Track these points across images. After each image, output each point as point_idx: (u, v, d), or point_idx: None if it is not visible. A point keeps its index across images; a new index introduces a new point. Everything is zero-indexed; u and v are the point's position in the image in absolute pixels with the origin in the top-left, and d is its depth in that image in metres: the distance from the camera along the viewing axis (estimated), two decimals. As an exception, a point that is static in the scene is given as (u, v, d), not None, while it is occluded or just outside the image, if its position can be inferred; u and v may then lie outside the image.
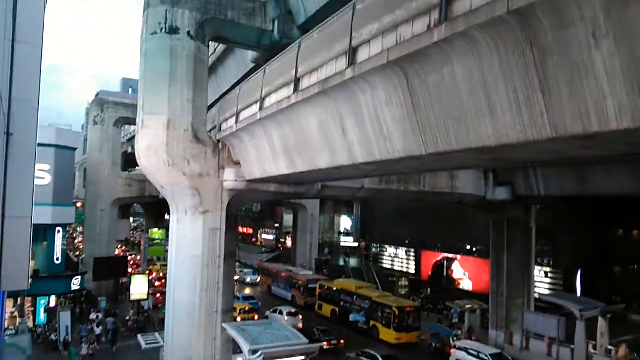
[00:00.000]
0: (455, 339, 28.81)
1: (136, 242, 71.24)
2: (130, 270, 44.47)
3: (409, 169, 17.77)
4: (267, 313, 34.98)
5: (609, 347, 25.51)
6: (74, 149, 32.35)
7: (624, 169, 22.69)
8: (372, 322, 32.52)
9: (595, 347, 25.68)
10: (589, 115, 7.47)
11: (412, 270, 52.14)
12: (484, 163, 17.98)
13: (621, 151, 11.37)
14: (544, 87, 7.95)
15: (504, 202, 29.17)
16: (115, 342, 27.91)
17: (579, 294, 35.51)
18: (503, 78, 8.51)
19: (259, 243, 78.22)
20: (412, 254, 53.03)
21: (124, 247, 66.02)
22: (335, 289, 37.37)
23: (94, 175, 41.15)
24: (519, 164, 24.62)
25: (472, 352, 25.85)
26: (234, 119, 19.31)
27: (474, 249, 46.83)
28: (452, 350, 27.14)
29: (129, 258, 53.45)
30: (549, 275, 39.52)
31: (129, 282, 34.24)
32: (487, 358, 24.93)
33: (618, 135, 7.62)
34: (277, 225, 75.85)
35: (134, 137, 37.15)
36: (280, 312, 34.48)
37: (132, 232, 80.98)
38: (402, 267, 53.89)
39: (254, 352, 15.10)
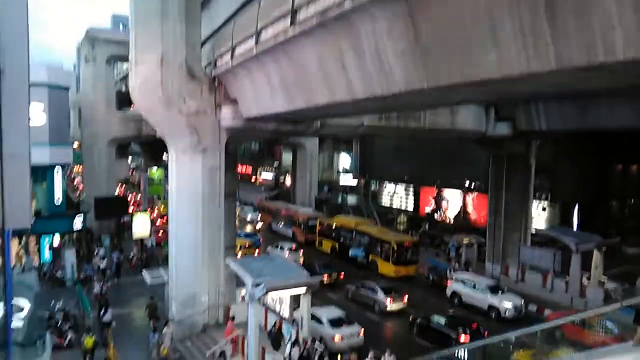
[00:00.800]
0: (451, 272, 29.60)
1: (136, 181, 71.60)
2: (131, 209, 45.01)
3: (410, 104, 17.50)
4: (269, 249, 35.72)
5: (603, 278, 26.30)
6: (67, 88, 31.66)
7: (625, 103, 22.41)
8: (371, 257, 33.29)
9: (589, 279, 26.44)
10: (595, 46, 7.22)
11: (410, 207, 52.78)
12: (485, 97, 17.70)
13: (623, 82, 11.15)
14: (550, 17, 7.62)
15: (504, 137, 29.03)
16: (119, 275, 29.03)
17: (575, 228, 36.15)
18: (508, 6, 8.13)
19: (258, 182, 78.71)
20: (411, 190, 53.47)
21: (123, 187, 66.41)
22: (334, 225, 37.96)
23: (88, 114, 40.59)
24: (521, 97, 24.28)
25: (468, 283, 26.64)
26: (229, 55, 18.76)
27: (473, 185, 47.19)
28: (449, 282, 27.95)
29: (130, 197, 53.86)
30: (547, 209, 40.04)
31: (131, 221, 34.70)
32: (483, 289, 25.70)
33: (623, 66, 7.44)
34: (276, 164, 75.99)
35: (127, 75, 36.38)
36: (281, 248, 35.19)
37: (131, 171, 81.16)
38: (400, 203, 54.51)
39: (257, 284, 15.48)
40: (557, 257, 26.87)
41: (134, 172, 78.78)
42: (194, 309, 20.52)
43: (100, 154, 40.25)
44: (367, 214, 48.24)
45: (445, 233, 38.88)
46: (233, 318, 18.35)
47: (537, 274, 28.20)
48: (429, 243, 40.69)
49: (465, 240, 32.35)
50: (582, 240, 26.31)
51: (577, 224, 37.74)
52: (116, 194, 48.18)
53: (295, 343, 14.75)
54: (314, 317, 19.41)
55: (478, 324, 21.54)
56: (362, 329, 20.95)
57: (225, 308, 21.04)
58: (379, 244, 32.78)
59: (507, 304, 24.43)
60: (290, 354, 14.44)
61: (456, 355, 15.35)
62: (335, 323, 20.59)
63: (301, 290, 17.17)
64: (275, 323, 16.82)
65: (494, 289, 25.76)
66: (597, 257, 26.39)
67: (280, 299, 19.26)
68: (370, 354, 15.58)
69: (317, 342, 17.11)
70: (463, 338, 20.15)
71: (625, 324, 19.12)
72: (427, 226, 45.29)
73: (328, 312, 21.52)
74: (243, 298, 19.87)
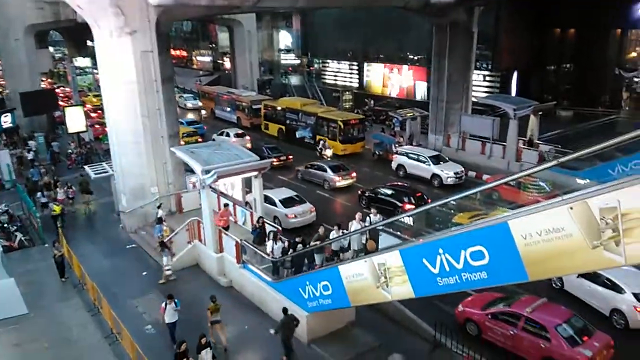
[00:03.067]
0: (396, 145, 30.38)
1: (61, 73, 66.45)
2: (61, 103, 42.19)
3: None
4: (214, 136, 35.05)
5: (537, 142, 27.79)
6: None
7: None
8: (318, 137, 33.42)
9: (524, 143, 27.89)
10: None
11: (355, 84, 52.38)
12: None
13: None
14: None
15: (447, 4, 28.27)
16: (55, 164, 29.38)
17: (513, 94, 37.30)
18: None
19: (195, 66, 74.90)
20: (355, 67, 52.67)
21: (49, 80, 61.67)
22: (279, 108, 37.33)
23: (-4, -1, 35.94)
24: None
25: (412, 155, 27.57)
26: None
27: (416, 58, 46.94)
28: (394, 156, 28.80)
29: (58, 91, 50.24)
30: (487, 78, 40.82)
31: (64, 116, 32.72)
32: (425, 160, 26.73)
33: None
34: (212, 45, 71.92)
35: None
36: (227, 134, 34.63)
37: (55, 63, 74.94)
38: (345, 81, 53.90)
39: (207, 172, 15.26)
40: (495, 124, 27.90)
41: (58, 64, 72.72)
42: (144, 200, 20.29)
43: (17, 43, 36.43)
44: (312, 94, 47.59)
45: (390, 108, 39.19)
46: (226, 205, 18.35)
47: (477, 142, 29.41)
48: (375, 119, 41.14)
49: (409, 114, 32.83)
50: (519, 106, 27.24)
51: (516, 91, 38.97)
52: (42, 87, 44.67)
53: (276, 238, 14.81)
54: (267, 199, 19.72)
55: (422, 193, 22.72)
56: (313, 207, 21.70)
57: (177, 197, 20.93)
58: (326, 123, 32.79)
59: (448, 172, 25.69)
60: (272, 249, 14.57)
61: (403, 221, 16.22)
62: (288, 203, 21.12)
63: (252, 174, 17.17)
64: (259, 219, 16.67)
65: (437, 159, 26.88)
66: (532, 121, 27.63)
67: (232, 184, 19.32)
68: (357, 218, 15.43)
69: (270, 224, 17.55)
70: (408, 206, 21.28)
71: (556, 183, 20.72)
72: (372, 103, 45.42)
73: (280, 194, 21.96)
74: (194, 185, 19.70)
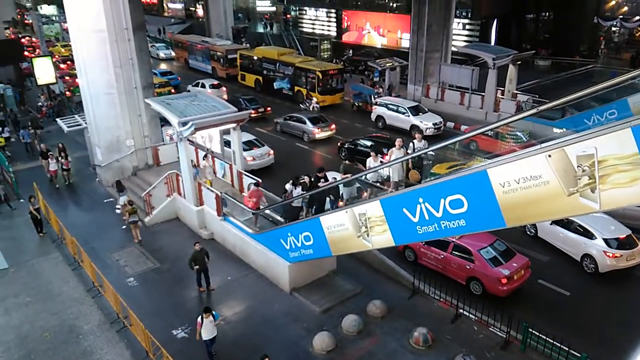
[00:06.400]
0: (376, 96, 30.16)
1: (28, 23, 63.33)
2: (27, 54, 40.40)
3: None
4: (189, 87, 34.19)
5: (516, 91, 27.88)
6: None
7: None
8: (296, 88, 32.92)
9: (503, 93, 27.96)
10: None
11: (333, 33, 51.19)
12: None
13: None
14: None
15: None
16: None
17: (493, 44, 37.01)
18: None
19: (166, 14, 72.00)
20: (333, 15, 51.31)
21: (12, 30, 58.76)
22: (256, 57, 36.40)
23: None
24: None
25: (391, 106, 27.47)
26: None
27: (395, 6, 45.89)
28: (373, 108, 28.65)
29: (24, 41, 48.01)
30: (467, 27, 40.25)
31: (32, 67, 31.42)
32: (405, 111, 26.68)
33: None
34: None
35: None
36: (203, 86, 33.80)
37: (20, 12, 71.23)
38: (323, 30, 52.60)
39: (184, 124, 14.94)
40: (475, 74, 27.83)
41: (23, 14, 69.18)
42: (120, 153, 19.91)
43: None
44: (289, 44, 46.46)
45: (369, 58, 38.62)
46: (257, 184, 15.52)
47: (456, 92, 29.37)
48: (353, 69, 40.58)
49: (389, 64, 32.42)
50: (499, 56, 27.09)
51: (495, 40, 38.65)
52: (5, 37, 42.61)
53: (295, 184, 14.31)
54: (226, 144, 18.99)
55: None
56: (272, 150, 22.33)
57: (153, 149, 20.59)
58: (304, 74, 32.22)
59: (427, 123, 25.75)
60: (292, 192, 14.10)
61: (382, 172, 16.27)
62: (246, 146, 21.08)
63: (230, 125, 16.90)
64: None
65: (416, 110, 26.84)
66: (511, 71, 27.60)
67: (209, 137, 18.99)
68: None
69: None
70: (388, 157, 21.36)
71: (533, 133, 20.99)
72: (350, 52, 44.64)
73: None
74: (171, 138, 19.35)
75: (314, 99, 30.72)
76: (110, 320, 12.46)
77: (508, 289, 13.11)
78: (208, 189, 16.31)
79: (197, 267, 13.34)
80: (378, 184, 13.49)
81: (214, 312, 10.86)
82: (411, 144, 14.12)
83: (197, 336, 10.80)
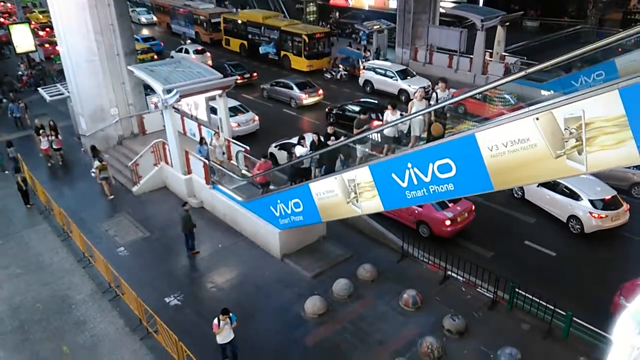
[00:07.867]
0: (364, 60, 29.78)
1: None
2: (2, 20, 39.06)
3: None
4: (172, 53, 33.44)
5: (504, 53, 27.67)
6: None
7: None
8: (282, 53, 32.37)
9: (491, 55, 27.74)
10: None
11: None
12: None
13: None
14: None
15: None
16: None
17: (481, 4, 36.46)
18: None
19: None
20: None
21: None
22: (241, 21, 35.58)
23: None
24: None
25: (379, 71, 27.19)
26: None
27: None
28: (361, 72, 28.33)
29: (-1, 6, 46.53)
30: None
31: (9, 34, 30.39)
32: (393, 75, 26.44)
33: None
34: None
35: None
36: (186, 51, 33.09)
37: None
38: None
39: (169, 91, 14.66)
40: (463, 36, 27.50)
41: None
42: (105, 122, 19.57)
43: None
44: (274, 7, 45.38)
45: (356, 21, 37.90)
46: (265, 157, 15.49)
47: (444, 55, 29.07)
48: (340, 33, 39.89)
49: (376, 26, 31.90)
50: (487, 17, 26.76)
51: (483, 1, 38.07)
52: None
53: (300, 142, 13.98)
54: (211, 110, 18.65)
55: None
56: (257, 116, 22.34)
57: (138, 118, 20.26)
58: (290, 38, 31.63)
59: (415, 87, 25.49)
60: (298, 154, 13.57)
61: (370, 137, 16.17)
62: (231, 112, 20.59)
63: (216, 92, 16.61)
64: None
65: (404, 74, 26.60)
66: (500, 32, 27.33)
67: (195, 104, 18.68)
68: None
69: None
70: (376, 122, 21.24)
71: (521, 96, 20.89)
72: (336, 15, 43.77)
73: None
74: (156, 106, 19.01)
75: (341, 67, 30.29)
76: (102, 290, 12.51)
77: (452, 231, 14.28)
78: (195, 156, 16.05)
79: (194, 226, 13.64)
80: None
81: (231, 314, 9.63)
82: (434, 94, 12.51)
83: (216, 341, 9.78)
